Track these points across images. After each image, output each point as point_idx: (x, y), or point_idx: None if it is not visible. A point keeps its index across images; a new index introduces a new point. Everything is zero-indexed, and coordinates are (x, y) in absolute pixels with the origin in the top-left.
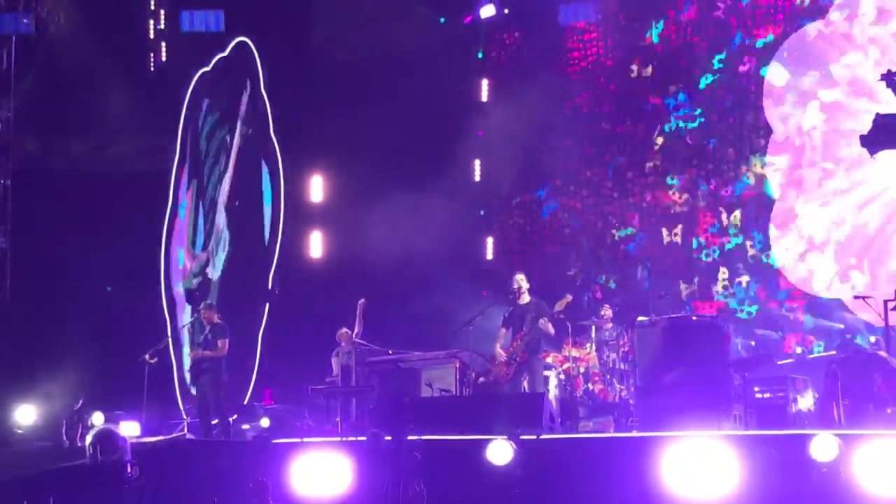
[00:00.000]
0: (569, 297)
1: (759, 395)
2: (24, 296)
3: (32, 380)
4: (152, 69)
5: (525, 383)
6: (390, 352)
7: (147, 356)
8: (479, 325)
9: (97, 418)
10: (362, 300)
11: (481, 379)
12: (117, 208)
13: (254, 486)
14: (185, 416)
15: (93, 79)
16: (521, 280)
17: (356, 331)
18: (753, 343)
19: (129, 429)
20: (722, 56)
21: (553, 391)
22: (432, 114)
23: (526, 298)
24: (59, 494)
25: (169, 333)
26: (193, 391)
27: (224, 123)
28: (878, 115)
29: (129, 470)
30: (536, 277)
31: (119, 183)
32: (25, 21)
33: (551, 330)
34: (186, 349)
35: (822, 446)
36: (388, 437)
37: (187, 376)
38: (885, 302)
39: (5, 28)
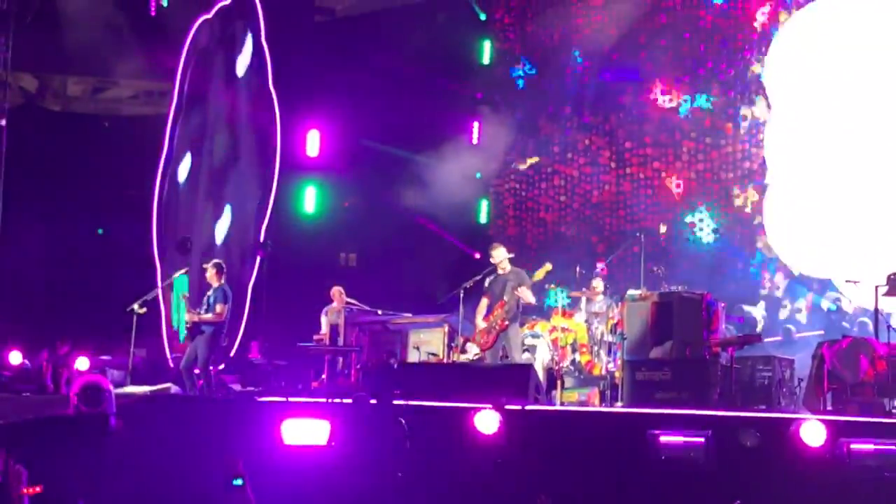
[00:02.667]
0: (548, 266)
1: (744, 375)
2: (16, 238)
3: (20, 323)
4: (153, 13)
5: (501, 350)
6: (380, 312)
7: (136, 306)
8: (471, 290)
9: (82, 363)
10: None
11: (469, 345)
12: (112, 151)
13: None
14: (171, 365)
15: (92, 19)
16: (497, 255)
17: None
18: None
19: (115, 377)
20: None
21: (540, 360)
22: (432, 72)
23: (507, 268)
24: (40, 446)
25: (159, 282)
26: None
27: (223, 73)
28: None
29: (112, 423)
30: (530, 244)
31: (115, 126)
32: None
33: (531, 298)
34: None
35: (811, 432)
36: (374, 401)
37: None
38: (876, 287)
39: None
